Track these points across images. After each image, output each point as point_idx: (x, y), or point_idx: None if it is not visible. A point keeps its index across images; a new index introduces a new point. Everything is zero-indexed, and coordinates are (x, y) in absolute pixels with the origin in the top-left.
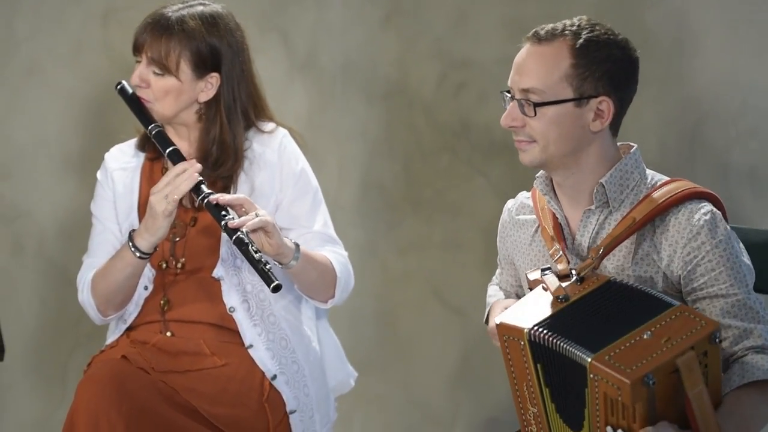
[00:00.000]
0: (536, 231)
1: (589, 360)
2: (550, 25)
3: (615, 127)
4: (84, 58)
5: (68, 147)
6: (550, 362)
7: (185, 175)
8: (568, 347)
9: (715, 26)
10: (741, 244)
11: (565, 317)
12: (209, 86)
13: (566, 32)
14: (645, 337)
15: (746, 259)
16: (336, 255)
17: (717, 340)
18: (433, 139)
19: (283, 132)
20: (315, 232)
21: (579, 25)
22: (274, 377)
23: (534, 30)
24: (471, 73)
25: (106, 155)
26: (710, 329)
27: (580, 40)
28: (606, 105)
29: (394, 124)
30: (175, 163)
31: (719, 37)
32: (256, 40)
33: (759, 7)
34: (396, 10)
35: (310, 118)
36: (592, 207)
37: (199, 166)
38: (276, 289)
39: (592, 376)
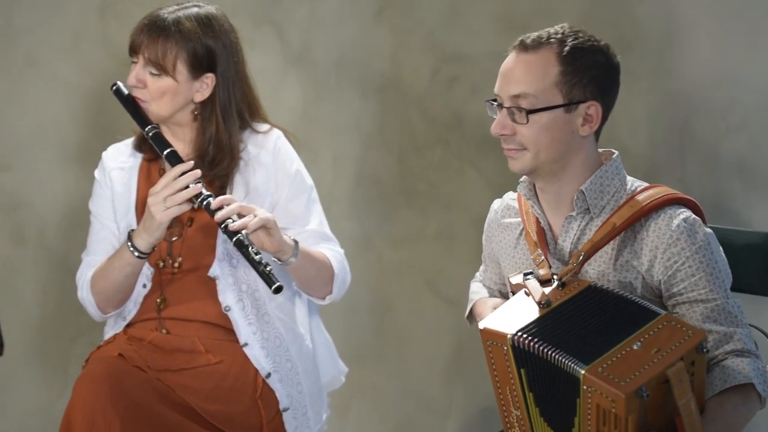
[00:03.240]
0: (521, 234)
1: (583, 372)
2: (535, 34)
3: (598, 133)
4: (82, 50)
5: (67, 138)
6: (534, 368)
7: (185, 190)
8: (559, 357)
9: (705, 20)
10: (720, 248)
11: (548, 323)
12: (205, 86)
13: (552, 40)
14: (635, 347)
15: (724, 263)
16: (333, 252)
17: (704, 350)
18: (426, 133)
19: (277, 133)
20: (311, 230)
21: (563, 33)
22: (268, 375)
23: (519, 39)
24: (463, 66)
25: (104, 154)
26: (698, 339)
27: (567, 48)
28: (594, 109)
29: (387, 118)
30: (173, 165)
31: (708, 31)
32: (251, 33)
33: (748, 1)
34: (389, 4)
35: (305, 112)
36: (573, 213)
37: (198, 172)
38: (277, 290)
39: (585, 387)
